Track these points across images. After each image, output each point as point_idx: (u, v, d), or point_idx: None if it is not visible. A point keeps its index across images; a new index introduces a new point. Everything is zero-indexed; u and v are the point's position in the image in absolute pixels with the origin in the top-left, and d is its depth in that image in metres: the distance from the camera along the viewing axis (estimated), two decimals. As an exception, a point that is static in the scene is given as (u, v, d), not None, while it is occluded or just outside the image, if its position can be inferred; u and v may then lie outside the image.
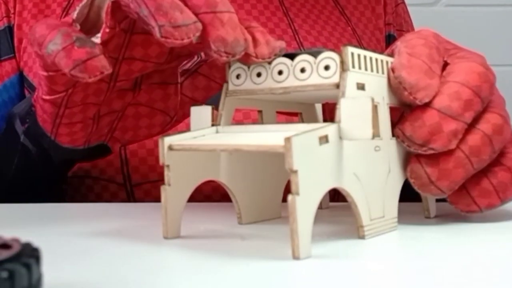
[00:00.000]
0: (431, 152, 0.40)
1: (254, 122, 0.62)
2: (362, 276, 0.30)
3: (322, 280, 0.29)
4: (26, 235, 0.38)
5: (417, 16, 0.95)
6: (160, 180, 0.60)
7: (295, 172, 0.32)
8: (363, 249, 0.36)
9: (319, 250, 0.35)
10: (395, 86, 0.40)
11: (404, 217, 0.45)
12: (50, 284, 0.27)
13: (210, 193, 0.60)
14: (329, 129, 0.35)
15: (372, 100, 0.35)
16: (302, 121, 0.47)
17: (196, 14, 0.37)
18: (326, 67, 0.38)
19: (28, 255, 0.23)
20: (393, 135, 0.41)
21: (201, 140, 0.39)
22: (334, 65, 0.38)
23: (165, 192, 0.38)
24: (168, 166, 0.38)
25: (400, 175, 0.41)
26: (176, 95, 0.48)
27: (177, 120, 0.50)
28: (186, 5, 0.37)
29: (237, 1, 0.69)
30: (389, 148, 0.40)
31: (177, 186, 0.39)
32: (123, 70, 0.44)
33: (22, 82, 0.68)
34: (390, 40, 0.79)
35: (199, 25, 0.37)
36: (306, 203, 0.33)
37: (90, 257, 0.34)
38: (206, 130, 0.41)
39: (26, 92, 0.68)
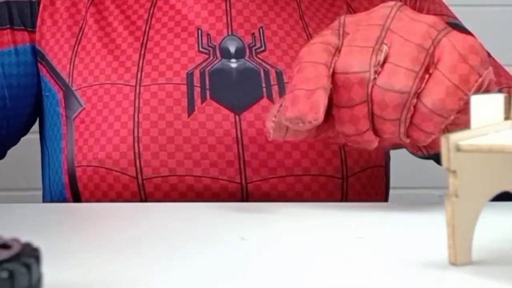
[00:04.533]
0: None
1: None
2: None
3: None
4: (26, 235, 0.38)
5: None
6: (171, 175, 0.61)
7: None
8: None
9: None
10: None
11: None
12: (50, 284, 0.27)
13: (218, 191, 0.60)
14: None
15: None
16: None
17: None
18: None
19: (28, 255, 0.23)
20: None
21: (497, 138, 0.31)
22: None
23: (452, 205, 0.30)
24: (454, 172, 0.30)
25: None
26: None
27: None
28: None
29: (256, 0, 0.69)
30: None
31: (467, 197, 0.31)
32: None
33: (34, 53, 0.70)
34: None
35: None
36: None
37: (90, 257, 0.34)
38: (498, 126, 0.33)
39: (39, 65, 0.69)
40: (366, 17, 0.48)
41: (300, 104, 0.44)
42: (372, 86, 0.45)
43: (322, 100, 0.45)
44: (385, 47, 0.45)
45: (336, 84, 0.46)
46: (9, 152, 0.74)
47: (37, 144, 0.75)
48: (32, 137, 0.76)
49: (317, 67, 0.45)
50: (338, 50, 0.46)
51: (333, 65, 0.46)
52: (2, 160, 0.74)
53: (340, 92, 0.46)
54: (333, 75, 0.46)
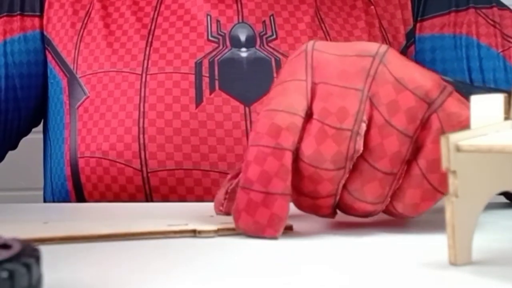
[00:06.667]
0: None
1: None
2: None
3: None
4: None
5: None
6: (177, 169, 0.59)
7: None
8: None
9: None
10: None
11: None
12: (50, 284, 0.27)
13: (201, 194, 0.59)
14: None
15: None
16: None
17: None
18: None
19: (28, 255, 0.23)
20: None
21: (497, 138, 0.31)
22: None
23: (452, 205, 0.30)
24: (454, 172, 0.30)
25: None
26: None
27: None
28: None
29: None
30: None
31: (467, 197, 0.30)
32: None
33: (43, 39, 0.69)
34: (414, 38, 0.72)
35: None
36: None
37: (90, 257, 0.34)
38: (498, 126, 0.32)
39: (47, 53, 0.68)
40: (340, 64, 0.37)
41: (257, 214, 0.36)
42: (343, 187, 0.37)
43: (284, 215, 0.36)
44: (363, 127, 0.36)
45: (299, 171, 0.37)
46: (9, 152, 0.74)
47: (37, 144, 0.74)
48: (32, 137, 0.76)
49: (281, 157, 0.35)
50: (306, 117, 0.37)
51: (298, 148, 0.36)
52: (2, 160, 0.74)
53: (304, 182, 0.37)
54: (297, 160, 0.36)
